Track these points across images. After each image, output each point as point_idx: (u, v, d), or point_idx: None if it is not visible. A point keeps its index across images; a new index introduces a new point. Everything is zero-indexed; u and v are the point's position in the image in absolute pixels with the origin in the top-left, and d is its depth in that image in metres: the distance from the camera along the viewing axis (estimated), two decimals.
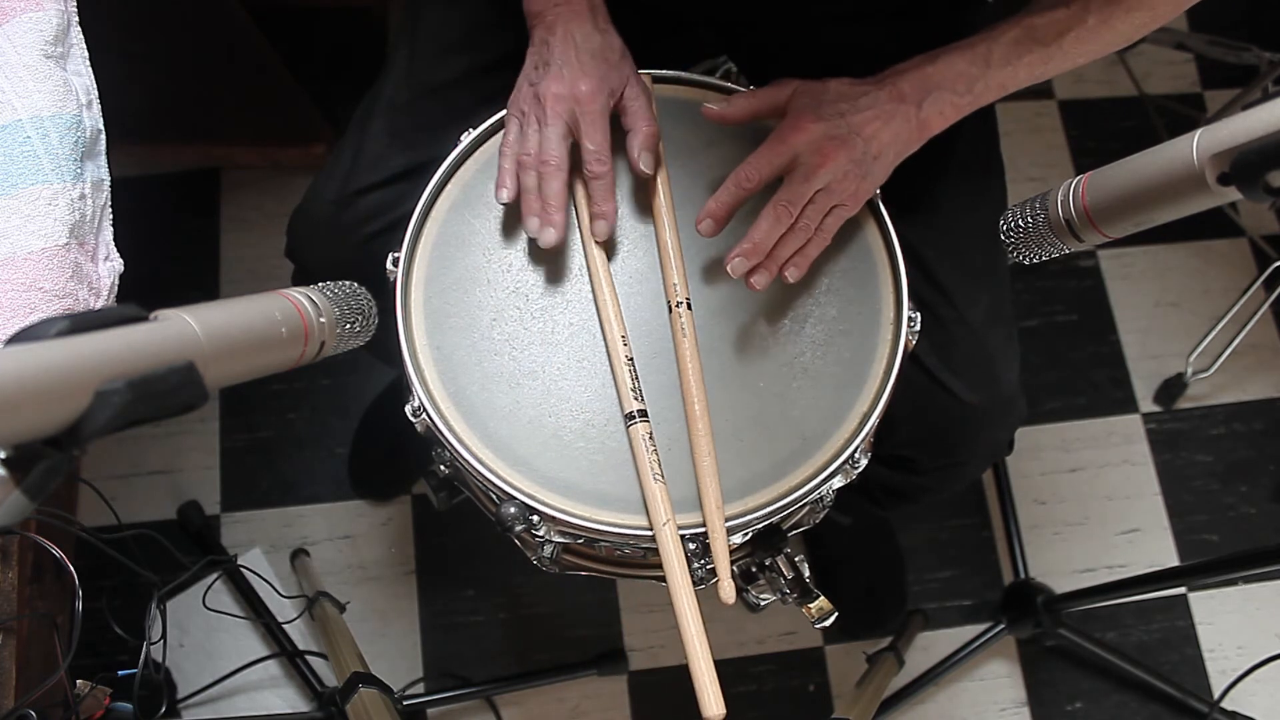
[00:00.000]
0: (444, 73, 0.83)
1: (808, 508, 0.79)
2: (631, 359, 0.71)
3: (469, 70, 0.76)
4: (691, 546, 0.67)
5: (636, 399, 0.70)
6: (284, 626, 1.30)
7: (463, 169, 0.77)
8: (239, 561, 1.33)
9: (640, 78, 0.75)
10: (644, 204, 0.76)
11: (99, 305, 0.65)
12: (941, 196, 0.83)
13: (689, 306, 0.72)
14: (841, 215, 0.72)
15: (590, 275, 0.74)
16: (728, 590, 0.65)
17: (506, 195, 0.72)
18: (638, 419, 0.69)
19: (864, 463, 0.73)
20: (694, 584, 0.74)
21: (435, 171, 0.75)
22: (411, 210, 0.74)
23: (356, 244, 0.82)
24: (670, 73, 0.80)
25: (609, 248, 0.75)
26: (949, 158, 0.84)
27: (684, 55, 0.84)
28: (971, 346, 0.82)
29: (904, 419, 0.79)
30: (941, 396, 0.82)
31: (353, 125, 0.86)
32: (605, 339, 0.72)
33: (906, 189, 0.76)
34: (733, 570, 0.66)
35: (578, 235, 0.75)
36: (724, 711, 0.61)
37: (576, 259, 0.75)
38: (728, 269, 0.70)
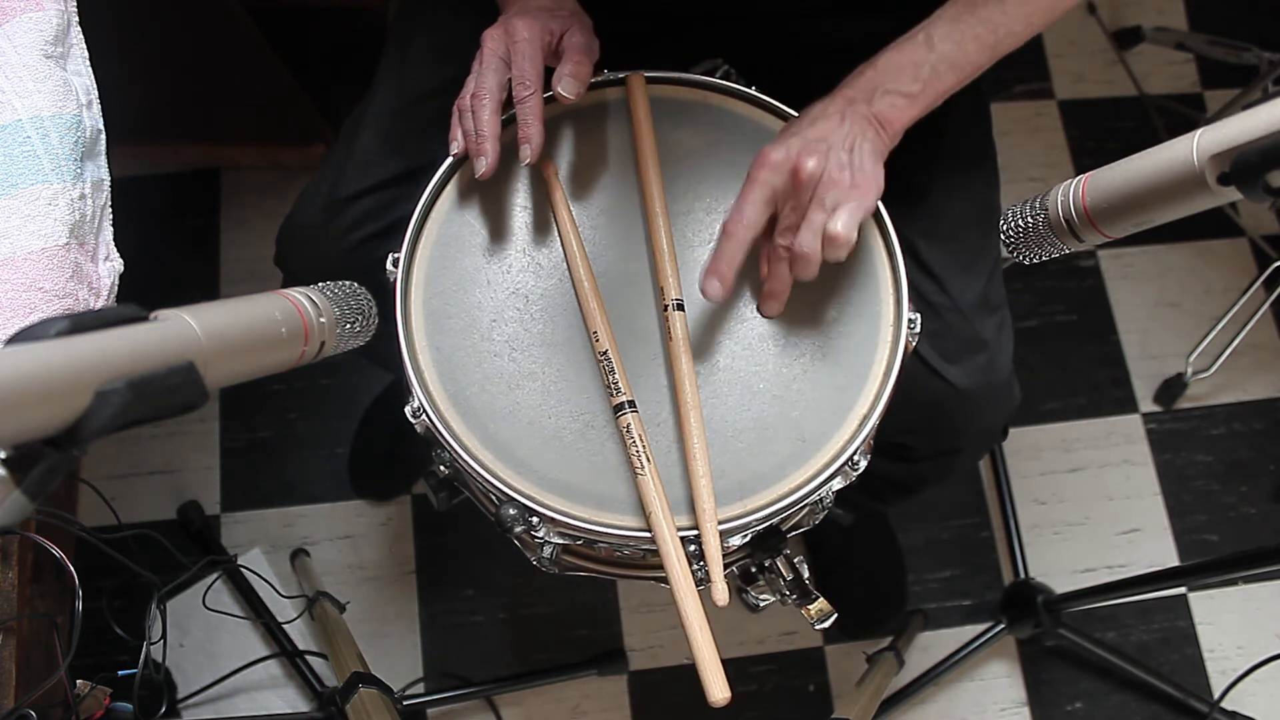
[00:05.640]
0: (435, 79, 0.83)
1: (807, 509, 0.79)
2: (605, 352, 0.71)
3: (459, 77, 0.76)
4: (691, 548, 0.67)
5: (614, 393, 0.69)
6: (284, 626, 1.30)
7: (463, 169, 0.77)
8: (239, 561, 1.33)
9: (589, 28, 0.75)
10: (642, 206, 0.76)
11: (99, 305, 0.65)
12: (931, 185, 0.83)
13: (679, 308, 0.72)
14: (850, 209, 0.67)
15: (569, 267, 0.74)
16: (720, 593, 0.65)
17: (456, 147, 0.73)
18: (626, 409, 0.69)
19: (863, 464, 0.73)
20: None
21: (435, 172, 0.75)
22: (404, 215, 0.74)
23: (346, 250, 0.82)
24: (669, 74, 0.80)
25: (607, 249, 0.75)
26: (938, 147, 0.84)
27: (682, 56, 0.84)
28: (965, 333, 0.82)
29: (898, 405, 0.80)
30: (935, 383, 0.82)
31: (343, 132, 0.86)
32: (586, 328, 0.72)
33: (896, 179, 0.76)
34: (732, 571, 0.66)
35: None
36: (729, 695, 0.61)
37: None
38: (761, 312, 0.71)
